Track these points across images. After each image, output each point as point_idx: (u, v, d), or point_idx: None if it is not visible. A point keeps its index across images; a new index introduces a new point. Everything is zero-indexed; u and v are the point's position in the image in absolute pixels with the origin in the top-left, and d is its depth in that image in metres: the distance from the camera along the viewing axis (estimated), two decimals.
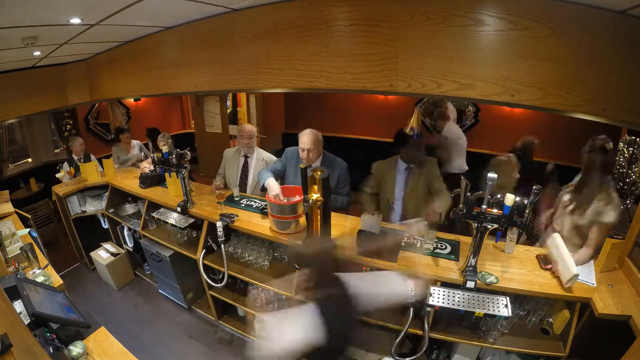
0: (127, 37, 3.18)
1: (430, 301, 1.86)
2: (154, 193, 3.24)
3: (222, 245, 2.60)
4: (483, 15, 1.84)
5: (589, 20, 1.68)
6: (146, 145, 4.78)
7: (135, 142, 4.53)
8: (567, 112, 1.85)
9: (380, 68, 2.16)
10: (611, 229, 2.09)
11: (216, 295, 2.94)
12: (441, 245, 2.28)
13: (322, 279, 1.44)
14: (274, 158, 3.18)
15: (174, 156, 2.76)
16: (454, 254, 2.19)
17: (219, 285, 2.73)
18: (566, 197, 2.23)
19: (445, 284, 1.97)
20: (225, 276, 2.65)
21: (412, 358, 2.00)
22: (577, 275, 1.80)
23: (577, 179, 2.25)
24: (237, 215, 2.67)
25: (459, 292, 1.90)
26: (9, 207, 3.18)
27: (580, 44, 1.73)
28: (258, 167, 3.18)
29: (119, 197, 3.75)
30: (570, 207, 2.16)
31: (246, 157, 3.24)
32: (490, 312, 1.79)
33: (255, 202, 2.96)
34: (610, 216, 1.96)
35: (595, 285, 1.86)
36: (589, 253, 2.06)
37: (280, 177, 2.90)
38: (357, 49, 2.20)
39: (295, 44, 2.38)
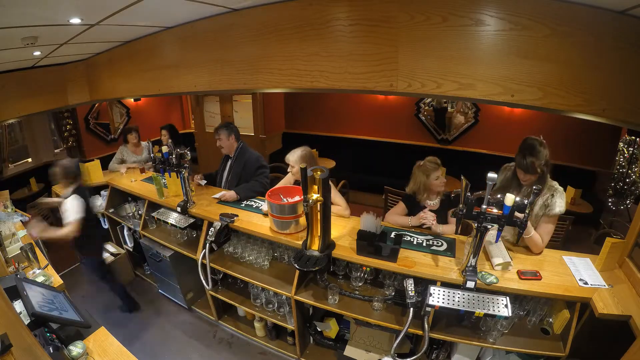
0: (127, 37, 3.18)
1: (430, 301, 1.86)
2: (153, 193, 3.23)
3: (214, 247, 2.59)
4: (483, 15, 1.84)
5: (589, 20, 1.68)
6: (157, 142, 4.50)
7: (144, 144, 4.28)
8: (567, 112, 1.85)
9: (380, 68, 2.16)
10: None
11: (216, 295, 2.93)
12: (437, 242, 2.29)
13: None
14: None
15: (174, 156, 2.76)
16: (450, 250, 2.20)
17: (209, 287, 2.67)
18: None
19: (445, 284, 1.97)
20: (209, 279, 2.61)
21: (412, 358, 1.99)
22: (510, 263, 2.00)
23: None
24: (237, 215, 2.67)
25: (459, 292, 1.90)
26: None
27: (580, 44, 1.73)
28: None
29: (119, 197, 3.75)
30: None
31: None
32: (490, 312, 1.79)
33: (255, 202, 2.96)
34: (559, 206, 2.06)
35: (607, 286, 1.85)
36: (543, 246, 2.13)
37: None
38: (357, 49, 2.20)
39: (295, 44, 2.38)
